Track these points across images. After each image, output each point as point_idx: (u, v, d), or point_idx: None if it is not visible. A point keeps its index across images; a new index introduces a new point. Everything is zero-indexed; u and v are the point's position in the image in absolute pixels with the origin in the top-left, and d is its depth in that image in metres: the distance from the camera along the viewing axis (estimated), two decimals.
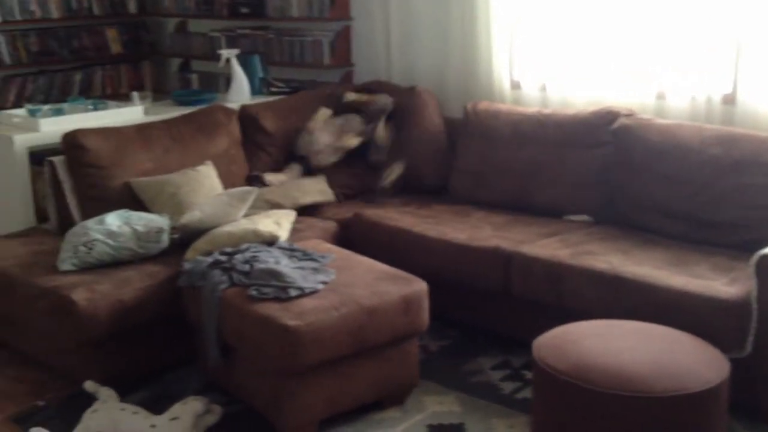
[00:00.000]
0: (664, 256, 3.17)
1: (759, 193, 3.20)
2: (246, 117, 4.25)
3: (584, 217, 3.73)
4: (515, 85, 4.31)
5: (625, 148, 3.60)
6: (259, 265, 3.02)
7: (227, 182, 3.85)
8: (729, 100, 3.60)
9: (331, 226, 3.82)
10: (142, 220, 3.32)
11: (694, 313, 2.79)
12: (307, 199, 3.93)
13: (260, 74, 5.09)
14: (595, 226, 3.61)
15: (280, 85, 5.09)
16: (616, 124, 3.65)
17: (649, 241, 3.35)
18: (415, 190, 4.23)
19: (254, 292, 2.87)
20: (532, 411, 2.66)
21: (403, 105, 4.31)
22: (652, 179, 3.49)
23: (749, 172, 3.23)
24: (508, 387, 3.16)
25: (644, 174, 3.52)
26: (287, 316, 2.72)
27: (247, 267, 3.03)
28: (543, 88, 4.17)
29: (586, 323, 2.71)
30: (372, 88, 4.56)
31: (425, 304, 3.02)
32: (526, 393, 3.06)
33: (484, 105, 4.17)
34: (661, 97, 3.79)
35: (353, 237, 3.80)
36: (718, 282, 2.90)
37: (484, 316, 3.54)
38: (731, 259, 3.11)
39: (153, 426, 2.74)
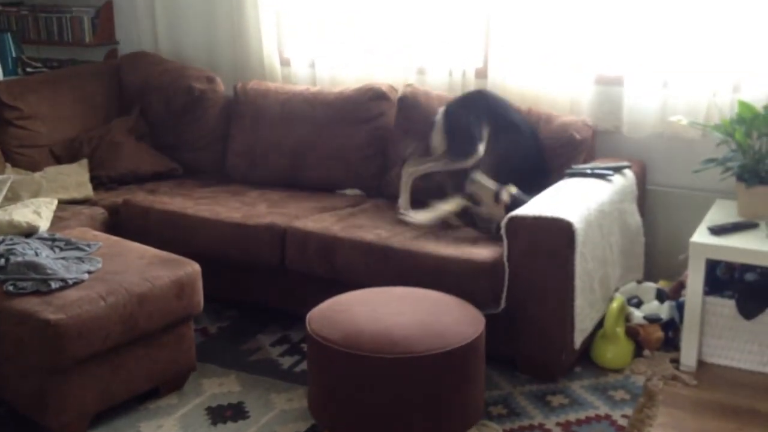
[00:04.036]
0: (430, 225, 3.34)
1: None
2: None
3: (356, 192, 3.84)
4: (285, 63, 4.32)
5: (406, 117, 3.74)
6: (15, 258, 2.84)
7: None
8: (481, 74, 3.84)
9: (99, 212, 3.66)
10: None
11: (455, 276, 2.98)
12: (63, 195, 3.71)
13: (13, 53, 4.75)
14: (366, 200, 3.74)
15: (37, 65, 4.78)
16: (400, 92, 3.80)
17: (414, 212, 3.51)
18: (192, 173, 4.18)
19: (11, 287, 2.70)
20: (307, 382, 2.72)
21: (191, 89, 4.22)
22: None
23: None
24: (287, 362, 3.21)
25: (421, 140, 3.62)
26: (48, 310, 2.59)
27: (2, 261, 2.84)
28: (312, 65, 4.22)
29: (357, 292, 2.81)
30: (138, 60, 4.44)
31: (199, 286, 2.99)
32: (305, 366, 3.12)
33: (253, 84, 4.17)
34: (421, 72, 3.96)
35: (124, 223, 3.67)
36: (474, 246, 3.10)
37: (263, 294, 3.56)
38: None
39: None
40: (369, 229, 3.30)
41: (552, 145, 3.46)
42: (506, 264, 2.92)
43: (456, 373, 2.52)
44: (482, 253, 3.02)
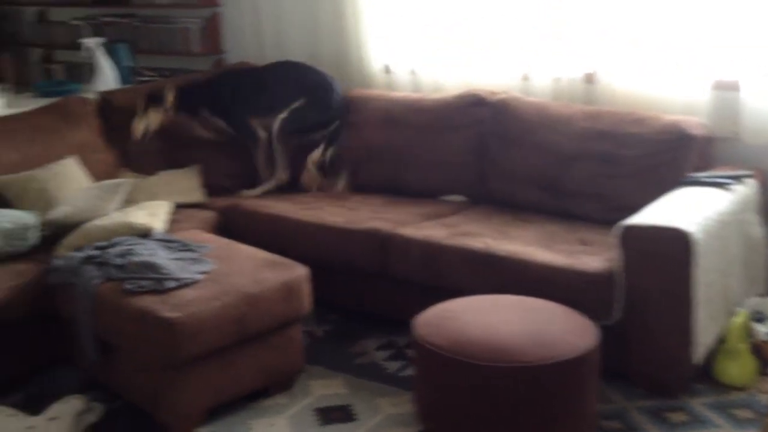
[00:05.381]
0: (535, 233, 3.27)
1: (620, 163, 3.38)
2: (106, 104, 4.14)
3: (460, 198, 3.82)
4: (387, 70, 4.34)
5: (501, 123, 3.70)
6: (134, 259, 2.93)
7: (94, 172, 3.74)
8: (590, 79, 3.76)
9: (210, 215, 3.76)
10: (7, 217, 3.17)
11: (564, 286, 2.91)
12: (175, 199, 3.79)
13: (127, 63, 4.93)
14: (470, 206, 3.71)
15: (150, 74, 4.95)
16: (495, 99, 3.76)
17: (521, 219, 3.46)
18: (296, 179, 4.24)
19: (130, 286, 2.79)
20: (413, 388, 2.71)
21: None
22: (525, 151, 3.60)
23: (612, 141, 3.41)
24: (392, 366, 3.20)
25: (518, 146, 3.63)
26: (166, 308, 2.66)
27: (121, 261, 2.94)
28: (413, 72, 4.23)
29: (464, 299, 2.78)
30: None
31: (306, 289, 3.02)
32: (410, 371, 3.11)
33: (356, 92, 4.20)
34: (526, 78, 3.91)
35: (233, 226, 3.75)
36: (584, 255, 3.03)
37: (366, 299, 3.57)
38: (595, 232, 3.23)
39: (30, 428, 2.65)
40: (474, 236, 3.26)
41: (662, 139, 3.31)
42: (620, 275, 2.83)
43: (568, 385, 2.46)
44: (593, 263, 2.94)
